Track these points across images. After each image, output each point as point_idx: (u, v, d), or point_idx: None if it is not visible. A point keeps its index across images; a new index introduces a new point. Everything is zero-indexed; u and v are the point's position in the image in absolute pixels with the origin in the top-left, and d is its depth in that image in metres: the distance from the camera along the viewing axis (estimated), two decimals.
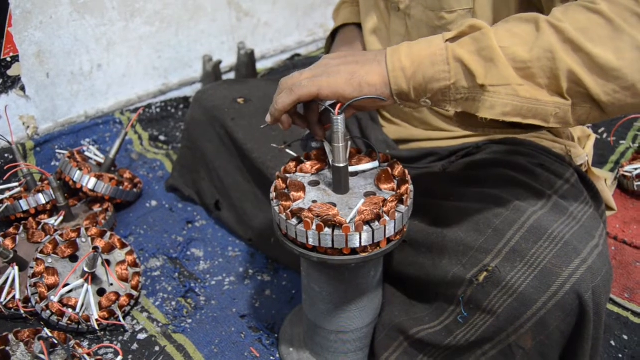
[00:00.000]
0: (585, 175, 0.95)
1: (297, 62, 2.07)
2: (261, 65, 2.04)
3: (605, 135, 1.59)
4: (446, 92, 0.66)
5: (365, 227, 0.70)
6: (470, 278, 0.76)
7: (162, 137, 1.69)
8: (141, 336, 1.05)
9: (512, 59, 0.62)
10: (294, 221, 0.73)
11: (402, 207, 0.73)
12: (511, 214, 0.77)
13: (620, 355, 0.99)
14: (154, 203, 1.41)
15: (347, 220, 0.70)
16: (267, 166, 1.09)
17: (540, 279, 0.71)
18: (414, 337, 0.84)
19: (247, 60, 1.88)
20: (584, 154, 1.00)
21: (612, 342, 1.01)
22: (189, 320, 1.08)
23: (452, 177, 0.93)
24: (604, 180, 1.06)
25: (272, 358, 1.00)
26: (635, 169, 1.42)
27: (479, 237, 0.77)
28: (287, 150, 0.82)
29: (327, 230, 0.70)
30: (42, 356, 0.87)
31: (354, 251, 0.73)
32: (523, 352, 0.75)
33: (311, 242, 0.72)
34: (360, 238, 0.70)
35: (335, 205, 0.74)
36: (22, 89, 1.48)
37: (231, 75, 1.97)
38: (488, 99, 0.63)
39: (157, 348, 1.02)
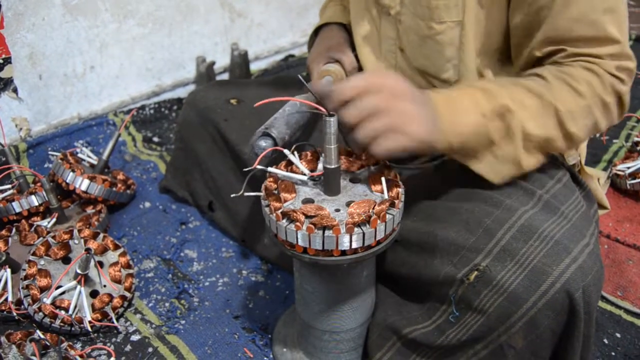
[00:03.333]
0: (577, 175, 0.96)
1: (291, 63, 2.08)
2: (255, 66, 2.04)
3: (598, 135, 1.59)
4: (463, 151, 0.78)
5: (356, 229, 0.70)
6: (461, 277, 0.76)
7: (155, 139, 1.69)
8: (134, 337, 1.04)
9: (525, 134, 0.77)
10: (284, 222, 0.73)
11: (393, 210, 0.73)
12: (502, 213, 0.78)
13: (613, 353, 0.99)
14: (147, 204, 1.41)
15: (338, 222, 0.71)
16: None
17: (531, 278, 0.71)
18: (407, 337, 0.85)
19: (240, 61, 1.89)
20: (576, 153, 1.00)
21: (605, 340, 1.02)
22: (183, 321, 1.08)
23: (444, 177, 0.93)
24: (597, 179, 1.07)
25: (265, 358, 1.00)
26: (628, 168, 1.43)
27: (470, 236, 0.78)
28: (246, 194, 0.79)
29: (318, 231, 0.70)
30: (33, 358, 0.87)
31: (344, 252, 0.73)
32: (514, 351, 0.75)
33: (301, 243, 0.72)
34: (351, 240, 0.70)
35: (326, 206, 0.74)
36: (15, 90, 1.48)
37: (225, 76, 1.97)
38: (497, 166, 0.79)
39: (150, 349, 1.02)
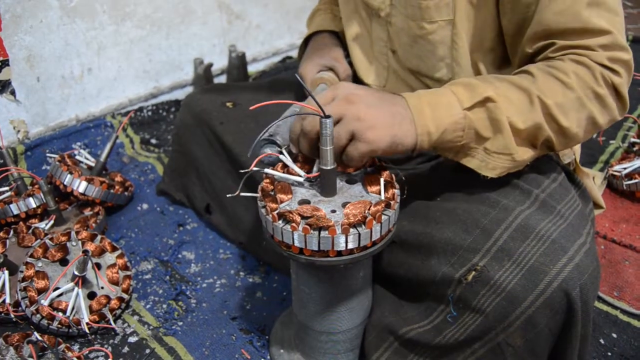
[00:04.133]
0: (573, 174, 0.96)
1: (288, 65, 2.08)
2: (253, 68, 2.04)
3: (595, 135, 1.60)
4: (453, 148, 0.78)
5: (352, 230, 0.71)
6: (459, 277, 0.76)
7: (153, 141, 1.69)
8: (132, 339, 1.05)
9: (513, 128, 0.76)
10: (280, 223, 0.73)
11: (388, 211, 0.74)
12: (499, 213, 0.78)
13: (610, 354, 0.99)
14: (145, 206, 1.41)
15: (334, 223, 0.71)
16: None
17: (528, 278, 0.71)
18: (404, 337, 0.85)
19: (238, 63, 1.89)
20: (571, 152, 1.01)
21: (602, 341, 1.02)
22: (180, 323, 1.08)
23: (441, 177, 0.93)
24: (592, 178, 1.07)
25: (262, 359, 1.00)
26: (624, 168, 1.43)
27: (467, 236, 0.78)
28: (242, 194, 0.80)
29: (314, 232, 0.71)
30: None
31: (340, 253, 0.73)
32: (512, 350, 0.75)
33: (297, 244, 0.72)
34: (347, 241, 0.71)
35: (322, 207, 0.75)
36: (13, 93, 1.48)
37: (222, 78, 1.98)
38: (491, 161, 0.78)
39: (147, 351, 1.02)
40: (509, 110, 0.75)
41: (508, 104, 0.75)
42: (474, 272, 0.75)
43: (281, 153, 0.82)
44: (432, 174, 0.96)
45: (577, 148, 1.05)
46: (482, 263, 0.75)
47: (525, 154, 0.78)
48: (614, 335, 1.03)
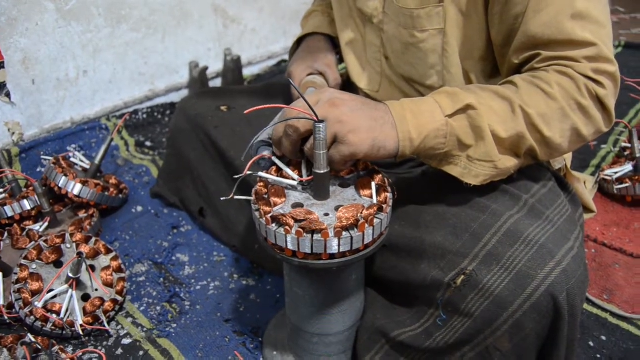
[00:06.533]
0: (563, 179, 0.97)
1: (283, 68, 2.09)
2: (248, 72, 2.06)
3: None
4: (436, 155, 0.79)
5: (344, 233, 0.72)
6: (448, 281, 0.77)
7: (148, 143, 1.70)
8: (126, 341, 1.05)
9: (495, 136, 0.76)
10: (273, 226, 0.74)
11: (381, 214, 0.75)
12: (488, 218, 0.79)
13: (599, 356, 1.00)
14: (139, 209, 1.42)
15: (327, 226, 0.72)
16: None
17: (516, 282, 0.72)
18: (395, 340, 0.86)
19: (233, 67, 1.90)
20: (561, 158, 1.02)
21: (591, 343, 1.03)
22: (174, 325, 1.09)
23: (432, 182, 0.94)
24: (584, 183, 1.08)
25: None
26: (615, 173, 1.45)
27: (457, 241, 0.79)
28: (236, 197, 0.81)
29: (307, 235, 0.71)
30: None
31: (333, 256, 0.74)
32: (500, 354, 0.76)
33: (290, 247, 0.73)
34: (339, 244, 0.72)
35: (315, 211, 0.75)
36: (8, 95, 1.49)
37: (218, 81, 1.99)
38: (474, 169, 0.78)
39: (141, 353, 1.02)
40: (491, 118, 0.76)
41: (490, 112, 0.76)
42: (463, 276, 0.76)
43: (275, 155, 0.83)
44: (423, 179, 0.97)
45: (568, 154, 1.06)
46: (471, 267, 0.76)
47: (508, 162, 0.79)
48: (603, 338, 1.04)
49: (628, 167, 1.44)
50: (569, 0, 0.78)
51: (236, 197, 0.79)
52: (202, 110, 1.23)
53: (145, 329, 1.08)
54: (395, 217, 0.89)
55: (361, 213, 0.74)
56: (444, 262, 0.79)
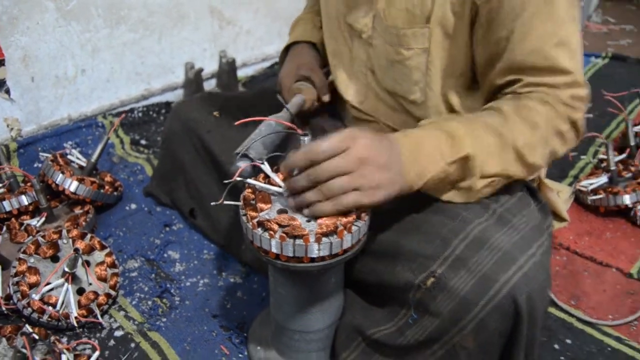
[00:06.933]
0: (535, 189, 1.03)
1: (277, 70, 2.12)
2: (242, 73, 2.10)
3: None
4: (429, 189, 0.87)
5: (324, 239, 0.77)
6: (419, 283, 0.83)
7: (143, 141, 1.74)
8: (118, 333, 1.10)
9: (485, 173, 0.85)
10: (259, 230, 0.79)
11: (359, 222, 0.80)
12: (458, 225, 0.85)
13: (562, 358, 1.07)
14: (133, 206, 1.47)
15: (308, 232, 0.78)
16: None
17: (480, 285, 0.78)
18: (371, 338, 0.91)
19: (228, 69, 1.95)
20: None
21: (556, 346, 1.09)
22: (164, 319, 1.14)
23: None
24: (557, 193, 1.14)
25: (240, 355, 1.06)
26: (591, 184, 1.51)
27: (428, 245, 0.85)
28: (225, 202, 0.86)
29: (289, 240, 0.77)
30: (24, 350, 0.93)
31: (313, 259, 0.80)
32: (466, 351, 0.82)
33: (274, 250, 0.79)
34: (319, 249, 0.77)
35: (298, 217, 0.81)
36: (7, 92, 1.53)
37: (213, 82, 2.03)
38: (456, 195, 0.88)
39: (132, 345, 1.08)
40: (483, 159, 0.83)
41: (483, 152, 0.83)
42: (432, 279, 0.81)
43: (254, 167, 0.87)
44: None
45: None
46: (440, 270, 0.81)
47: (488, 190, 0.88)
48: (568, 341, 1.10)
49: (604, 178, 1.50)
50: (552, 28, 0.85)
51: (225, 202, 0.84)
52: (196, 115, 1.28)
53: (136, 322, 1.13)
54: (374, 223, 0.94)
55: (340, 220, 0.80)
56: (416, 265, 0.84)
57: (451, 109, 1.00)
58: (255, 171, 0.90)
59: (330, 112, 1.22)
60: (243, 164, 0.88)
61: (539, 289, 0.80)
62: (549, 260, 0.89)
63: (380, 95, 1.08)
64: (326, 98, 1.16)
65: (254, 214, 0.82)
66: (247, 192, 0.87)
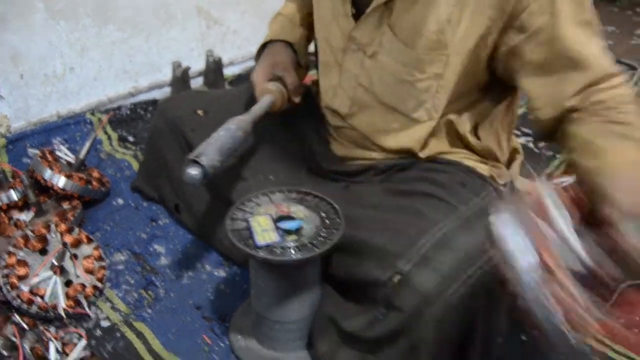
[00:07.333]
0: (502, 191, 1.08)
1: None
2: (229, 71, 2.14)
3: (537, 151, 1.73)
4: None
5: None
6: (386, 280, 0.88)
7: (130, 138, 1.77)
8: (104, 324, 1.15)
9: None
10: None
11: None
12: (425, 225, 0.90)
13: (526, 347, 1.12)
14: (120, 201, 1.50)
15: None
16: (222, 176, 1.17)
17: (441, 283, 0.83)
18: (345, 330, 0.96)
19: (214, 67, 1.98)
20: (508, 174, 1.13)
21: (524, 337, 1.15)
22: (149, 310, 1.18)
23: (386, 190, 1.04)
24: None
25: (222, 345, 1.11)
26: (562, 182, 1.57)
27: (396, 244, 0.89)
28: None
29: None
30: (14, 339, 0.97)
31: None
32: (428, 345, 0.86)
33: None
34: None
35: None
36: None
37: (199, 80, 2.07)
38: None
39: (118, 334, 1.12)
40: None
41: None
42: (398, 276, 0.87)
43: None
44: (378, 187, 1.07)
45: (516, 170, 1.17)
46: (406, 268, 0.86)
47: None
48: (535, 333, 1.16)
49: (572, 178, 1.55)
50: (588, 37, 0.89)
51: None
52: (180, 113, 1.30)
53: (122, 313, 1.18)
54: (349, 221, 0.98)
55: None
56: (384, 262, 0.89)
57: (449, 126, 1.05)
58: (207, 178, 0.91)
59: (306, 113, 1.24)
60: (191, 171, 0.89)
61: (498, 288, 0.84)
62: None
63: (370, 107, 1.07)
64: (297, 100, 1.18)
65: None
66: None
